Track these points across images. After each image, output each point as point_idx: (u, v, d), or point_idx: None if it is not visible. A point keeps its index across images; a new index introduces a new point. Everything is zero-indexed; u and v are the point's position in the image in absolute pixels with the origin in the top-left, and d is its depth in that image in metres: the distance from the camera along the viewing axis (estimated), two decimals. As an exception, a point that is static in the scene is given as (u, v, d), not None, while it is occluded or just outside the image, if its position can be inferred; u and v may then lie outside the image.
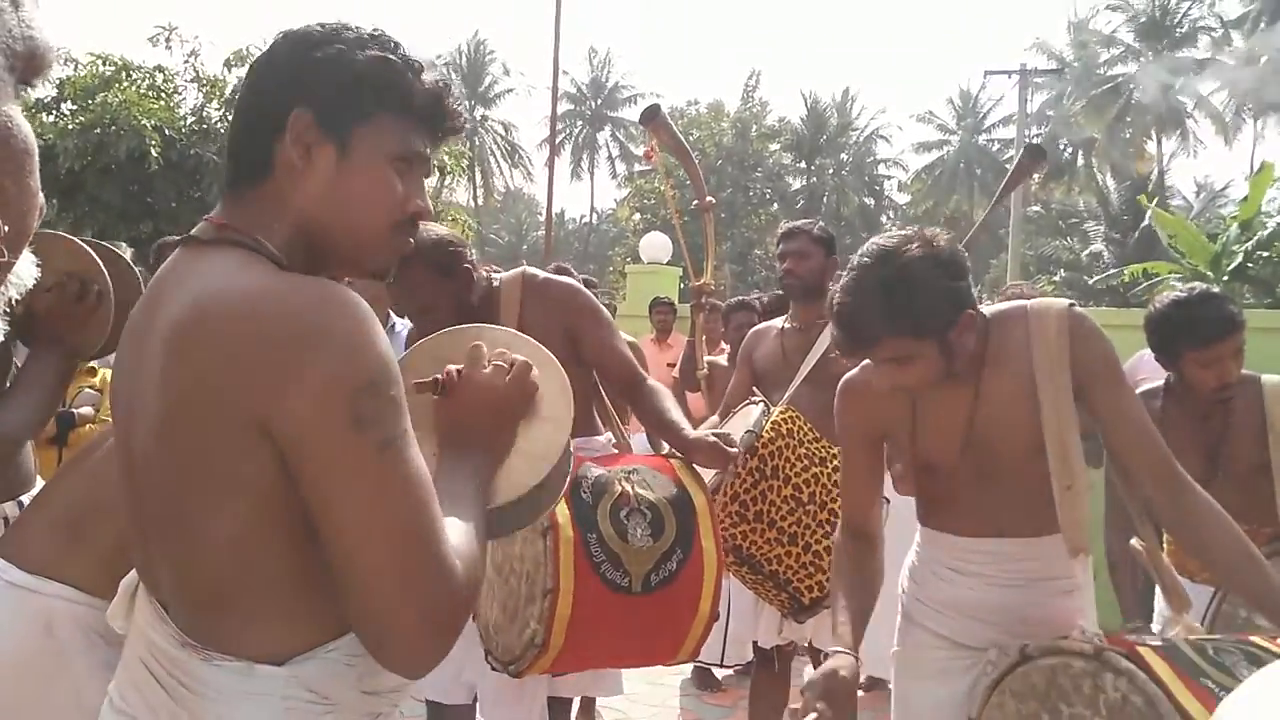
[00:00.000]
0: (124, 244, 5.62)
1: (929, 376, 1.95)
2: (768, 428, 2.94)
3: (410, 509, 1.09)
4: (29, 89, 0.63)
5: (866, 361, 2.12)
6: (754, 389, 3.45)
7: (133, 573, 1.37)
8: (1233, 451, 2.84)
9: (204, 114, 13.26)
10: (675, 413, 2.65)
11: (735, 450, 2.52)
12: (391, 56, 1.21)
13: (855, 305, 1.91)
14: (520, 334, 1.50)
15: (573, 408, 1.42)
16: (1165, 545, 2.43)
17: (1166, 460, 1.98)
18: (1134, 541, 2.74)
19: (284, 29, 1.22)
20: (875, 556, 2.17)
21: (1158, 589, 3.08)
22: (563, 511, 2.27)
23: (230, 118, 1.29)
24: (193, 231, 1.22)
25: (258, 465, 1.09)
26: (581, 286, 2.97)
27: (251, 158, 1.20)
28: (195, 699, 1.18)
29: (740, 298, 5.73)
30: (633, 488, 2.37)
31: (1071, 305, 2.06)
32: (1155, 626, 2.90)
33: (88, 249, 2.29)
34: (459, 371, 1.35)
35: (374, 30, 1.23)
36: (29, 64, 0.63)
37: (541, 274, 2.92)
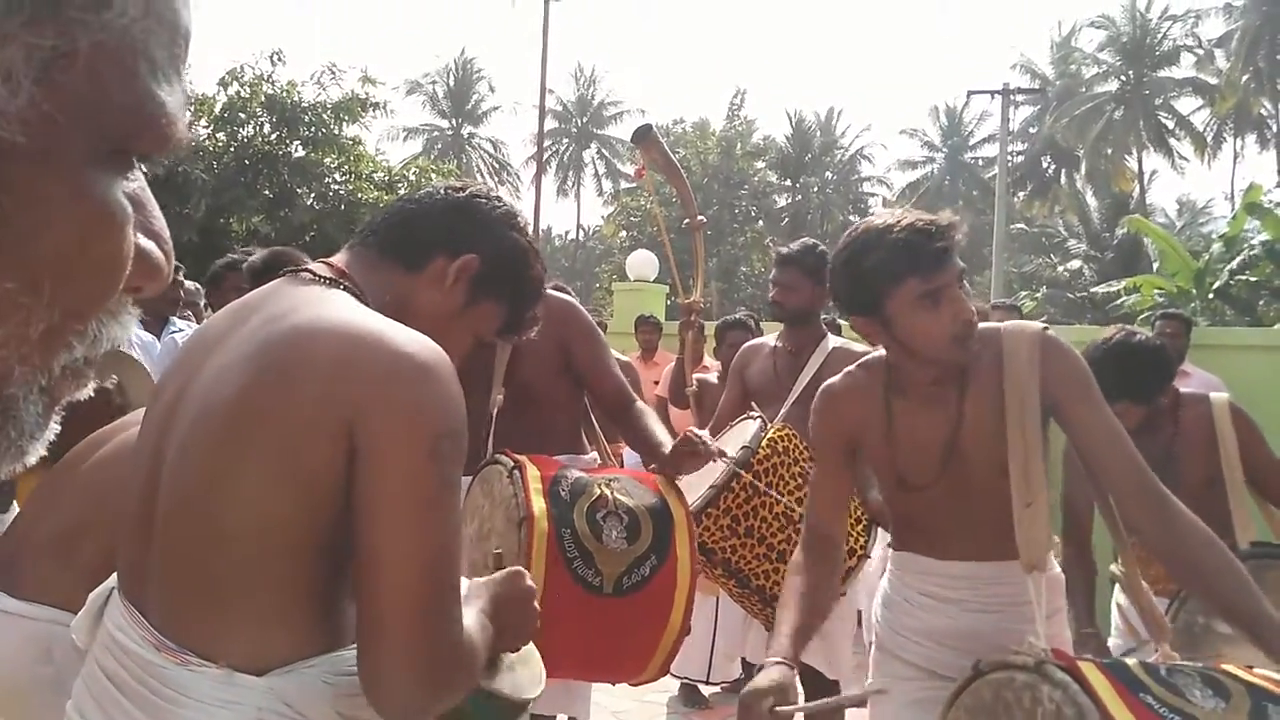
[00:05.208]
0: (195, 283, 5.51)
1: None
2: (764, 444, 2.95)
3: (445, 550, 1.19)
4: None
5: (849, 368, 2.17)
6: (752, 404, 3.47)
7: (100, 588, 1.38)
8: (1182, 466, 2.86)
9: (192, 131, 13.25)
10: (660, 432, 2.72)
11: (713, 447, 2.57)
12: (540, 284, 1.56)
13: None
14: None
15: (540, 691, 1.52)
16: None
17: (1147, 480, 1.92)
18: (1113, 567, 2.75)
19: (500, 202, 1.51)
20: (832, 572, 2.13)
21: (1114, 603, 3.10)
22: (539, 505, 2.29)
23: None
24: (309, 266, 1.39)
25: (325, 463, 1.17)
26: (578, 305, 3.07)
27: (418, 250, 1.42)
28: (166, 706, 1.19)
29: (737, 316, 5.74)
30: (612, 493, 2.39)
31: (1045, 328, 2.04)
32: (1112, 641, 2.91)
33: (133, 356, 2.31)
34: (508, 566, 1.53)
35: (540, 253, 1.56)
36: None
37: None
